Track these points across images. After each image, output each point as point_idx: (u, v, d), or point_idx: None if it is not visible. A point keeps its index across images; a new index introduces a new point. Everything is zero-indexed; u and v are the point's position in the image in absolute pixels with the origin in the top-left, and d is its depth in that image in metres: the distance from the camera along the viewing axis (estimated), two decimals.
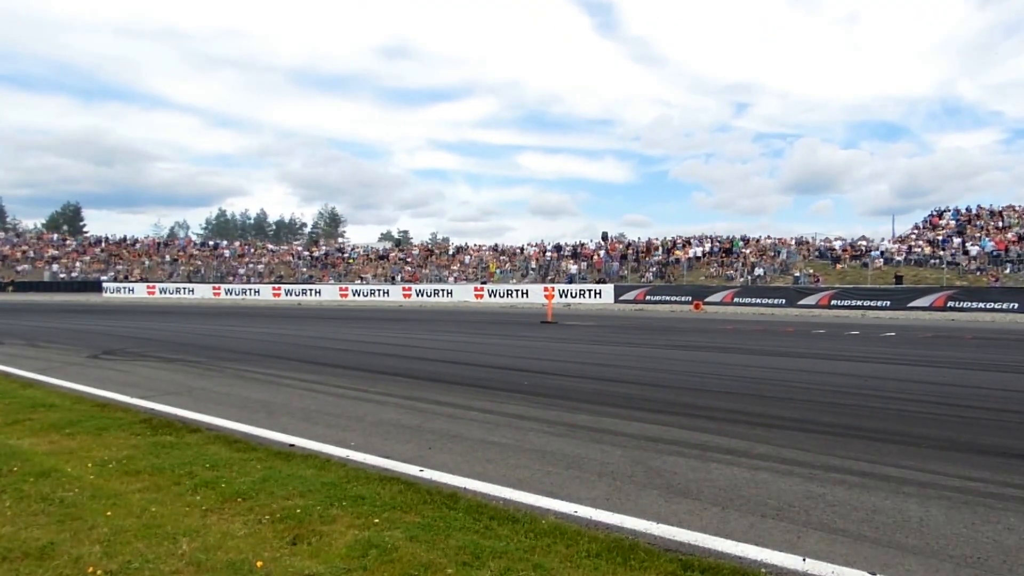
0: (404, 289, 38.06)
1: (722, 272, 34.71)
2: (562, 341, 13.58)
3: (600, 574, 2.61)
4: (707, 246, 38.06)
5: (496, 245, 47.02)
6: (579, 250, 41.89)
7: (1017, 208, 34.24)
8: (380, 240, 71.22)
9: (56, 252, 50.48)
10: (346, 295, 38.54)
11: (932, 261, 30.34)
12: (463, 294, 36.24)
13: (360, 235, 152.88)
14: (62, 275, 47.05)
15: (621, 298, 32.25)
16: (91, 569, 2.61)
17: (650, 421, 5.55)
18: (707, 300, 29.31)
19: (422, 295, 37.08)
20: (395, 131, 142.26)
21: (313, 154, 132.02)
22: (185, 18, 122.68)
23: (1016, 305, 23.17)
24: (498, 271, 41.00)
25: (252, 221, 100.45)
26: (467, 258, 44.75)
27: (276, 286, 41.41)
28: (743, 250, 36.28)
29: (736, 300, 29.17)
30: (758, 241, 37.60)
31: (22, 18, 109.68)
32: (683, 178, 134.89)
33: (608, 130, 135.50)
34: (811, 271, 32.14)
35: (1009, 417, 5.79)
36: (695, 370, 9.06)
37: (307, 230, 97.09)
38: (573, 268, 38.80)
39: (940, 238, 32.89)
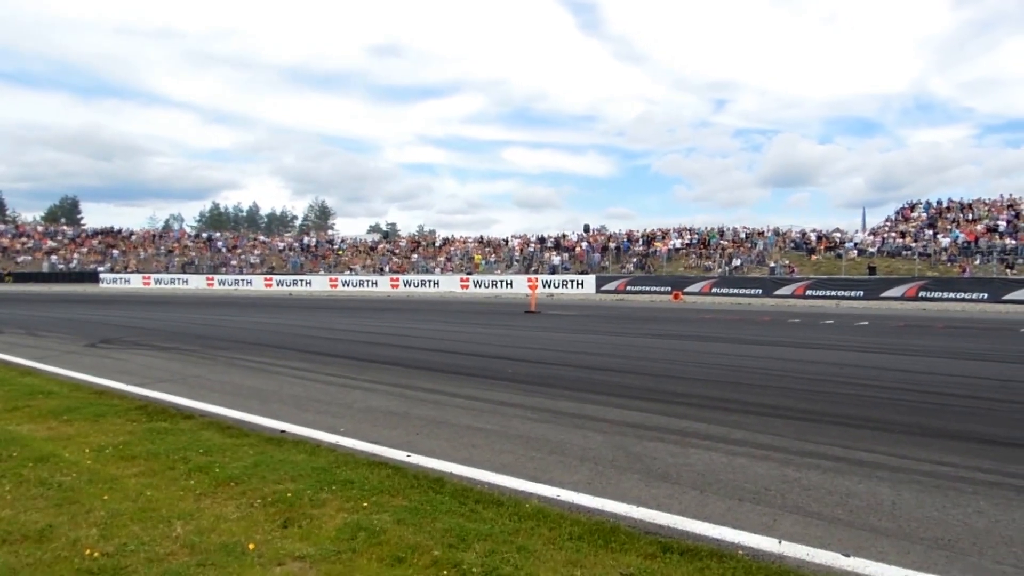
0: (392, 280, 38.07)
1: (700, 263, 35.04)
2: (545, 330, 13.67)
3: (582, 556, 2.66)
4: (686, 238, 38.39)
5: (482, 237, 46.88)
6: (562, 242, 41.95)
7: (986, 201, 35.01)
8: (369, 232, 70.71)
9: (54, 244, 49.90)
10: (336, 285, 38.56)
11: (904, 252, 30.96)
12: (449, 284, 36.26)
13: (350, 227, 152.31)
14: (60, 266, 46.75)
15: (602, 288, 32.47)
16: (88, 551, 2.64)
17: (630, 408, 5.65)
18: (686, 290, 29.59)
19: (409, 285, 37.12)
20: (385, 127, 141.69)
21: (305, 149, 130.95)
22: (182, 18, 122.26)
23: (985, 295, 23.81)
24: (483, 262, 40.96)
25: (245, 213, 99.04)
26: (453, 250, 44.64)
27: (268, 276, 41.42)
28: (721, 242, 36.67)
29: (714, 290, 29.56)
30: (735, 232, 37.99)
31: (24, 18, 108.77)
32: (665, 172, 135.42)
33: (592, 126, 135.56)
34: (787, 262, 32.56)
35: (978, 404, 5.96)
36: (674, 358, 9.21)
37: (298, 222, 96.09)
38: (556, 259, 38.87)
39: (912, 230, 33.54)
